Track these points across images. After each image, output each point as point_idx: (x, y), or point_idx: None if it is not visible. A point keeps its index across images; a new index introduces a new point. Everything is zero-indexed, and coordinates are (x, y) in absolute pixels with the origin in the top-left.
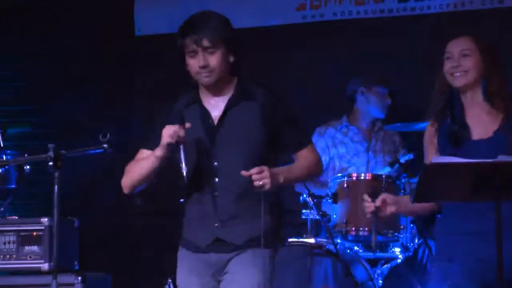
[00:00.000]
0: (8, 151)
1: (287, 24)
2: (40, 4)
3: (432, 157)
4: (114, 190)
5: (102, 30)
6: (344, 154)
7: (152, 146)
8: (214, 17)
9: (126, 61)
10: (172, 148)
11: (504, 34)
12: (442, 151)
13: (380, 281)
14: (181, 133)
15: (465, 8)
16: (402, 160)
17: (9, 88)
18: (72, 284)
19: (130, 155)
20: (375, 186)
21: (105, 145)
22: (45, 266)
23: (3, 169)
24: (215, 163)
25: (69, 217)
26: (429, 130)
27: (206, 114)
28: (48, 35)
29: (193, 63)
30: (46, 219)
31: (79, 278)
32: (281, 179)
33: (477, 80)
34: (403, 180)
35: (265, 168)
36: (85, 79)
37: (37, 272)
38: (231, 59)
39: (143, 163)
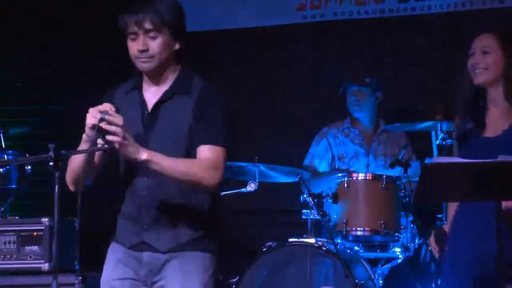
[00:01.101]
0: (9, 151)
1: (287, 24)
2: (40, 4)
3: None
4: (114, 189)
5: (102, 30)
6: (343, 155)
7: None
8: (160, 1)
9: (126, 61)
10: (97, 133)
11: None
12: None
13: (381, 281)
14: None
15: (465, 8)
16: (403, 159)
17: (9, 88)
18: (72, 284)
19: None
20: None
21: (105, 146)
22: (45, 266)
23: (4, 169)
24: None
25: (69, 217)
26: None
27: (143, 102)
28: (48, 35)
29: (132, 46)
30: (46, 219)
31: (79, 278)
32: (144, 155)
33: (498, 77)
34: (403, 180)
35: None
36: (85, 79)
37: (37, 272)
38: (176, 46)
39: (76, 157)
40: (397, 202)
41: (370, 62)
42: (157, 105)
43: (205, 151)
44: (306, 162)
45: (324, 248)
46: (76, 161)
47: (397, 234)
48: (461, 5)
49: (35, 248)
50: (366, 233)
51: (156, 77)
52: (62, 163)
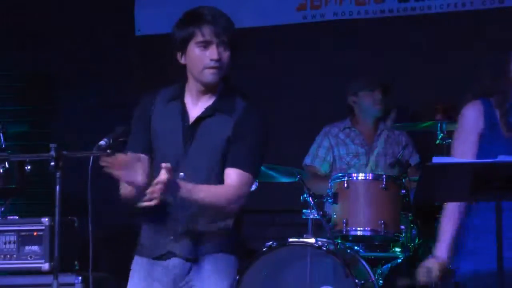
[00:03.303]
0: (9, 151)
1: (287, 24)
2: (40, 4)
3: None
4: (115, 190)
5: (102, 30)
6: (344, 155)
7: (135, 148)
8: (229, 18)
9: (126, 61)
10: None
11: (504, 34)
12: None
13: (380, 281)
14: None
15: (466, 8)
16: (403, 159)
17: (9, 88)
18: (72, 284)
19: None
20: None
21: (108, 151)
22: (46, 266)
23: (4, 169)
24: (181, 173)
25: (69, 217)
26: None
27: (185, 114)
28: (48, 35)
29: (202, 55)
30: (46, 219)
31: (79, 278)
32: (182, 192)
33: None
34: (403, 180)
35: (162, 180)
36: (85, 79)
37: (38, 272)
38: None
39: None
40: (397, 202)
41: (370, 62)
42: (199, 119)
43: (232, 176)
44: (307, 161)
45: (324, 248)
46: (128, 190)
47: (397, 234)
48: (461, 5)
49: (35, 248)
50: (366, 233)
51: (206, 91)
52: (63, 163)
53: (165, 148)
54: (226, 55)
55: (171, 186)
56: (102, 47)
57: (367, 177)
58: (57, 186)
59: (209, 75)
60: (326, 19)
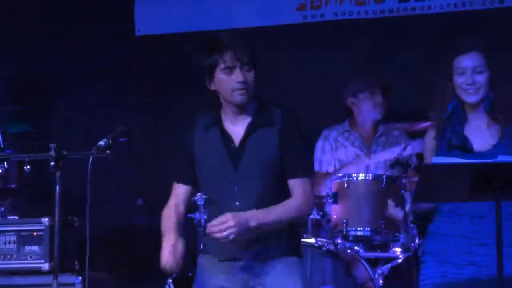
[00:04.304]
0: (8, 151)
1: (287, 24)
2: (40, 4)
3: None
4: (115, 190)
5: (102, 30)
6: (343, 158)
7: (183, 179)
8: (243, 38)
9: (126, 61)
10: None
11: (504, 34)
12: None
13: (381, 281)
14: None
15: (466, 8)
16: (402, 159)
17: (9, 88)
18: (72, 284)
19: (131, 156)
20: None
21: (107, 151)
22: (46, 266)
23: (3, 169)
24: (236, 188)
25: (69, 217)
26: (429, 138)
27: (228, 137)
28: (48, 35)
29: (228, 80)
30: (46, 219)
31: (79, 278)
32: (252, 224)
33: (486, 95)
34: (403, 180)
35: (229, 217)
36: (85, 79)
37: (38, 272)
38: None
39: (164, 233)
40: (397, 202)
41: (370, 62)
42: (244, 138)
43: (296, 186)
44: (316, 168)
45: (324, 248)
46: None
47: (397, 234)
48: (461, 5)
49: (35, 248)
50: (366, 233)
51: (241, 110)
52: (62, 163)
53: (213, 174)
54: (250, 75)
55: (240, 226)
56: (102, 47)
57: (367, 177)
58: (57, 186)
59: (238, 97)
60: (326, 19)
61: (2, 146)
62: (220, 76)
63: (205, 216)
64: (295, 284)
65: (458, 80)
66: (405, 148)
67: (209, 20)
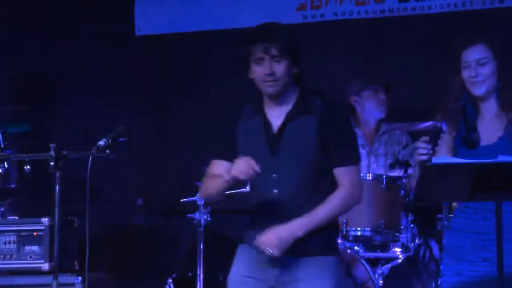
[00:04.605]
0: (8, 151)
1: (287, 24)
2: (40, 4)
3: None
4: (115, 190)
5: (102, 30)
6: None
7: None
8: (282, 28)
9: (126, 61)
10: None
11: (504, 34)
12: (457, 155)
13: (381, 281)
14: (250, 172)
15: (466, 8)
16: (403, 160)
17: (9, 88)
18: (72, 284)
19: (131, 156)
20: None
21: (107, 151)
22: (46, 266)
23: (3, 169)
24: (274, 175)
25: (69, 217)
26: (446, 136)
27: (268, 124)
28: (48, 35)
29: (259, 71)
30: (46, 219)
31: (79, 278)
32: (299, 234)
33: (495, 87)
34: (403, 180)
35: (273, 233)
36: (85, 79)
37: (38, 272)
38: (295, 70)
39: (212, 183)
40: (397, 202)
41: (370, 62)
42: (283, 126)
43: (342, 175)
44: None
45: None
46: (210, 188)
47: (397, 234)
48: (461, 5)
49: (35, 248)
50: (366, 233)
51: (278, 99)
52: (62, 163)
53: (254, 160)
54: (278, 67)
55: (286, 241)
56: (102, 47)
57: (367, 177)
58: (57, 186)
59: (267, 88)
60: (326, 19)
61: (2, 146)
62: (253, 66)
63: (205, 216)
64: (327, 286)
65: (465, 73)
66: (405, 147)
67: (209, 20)
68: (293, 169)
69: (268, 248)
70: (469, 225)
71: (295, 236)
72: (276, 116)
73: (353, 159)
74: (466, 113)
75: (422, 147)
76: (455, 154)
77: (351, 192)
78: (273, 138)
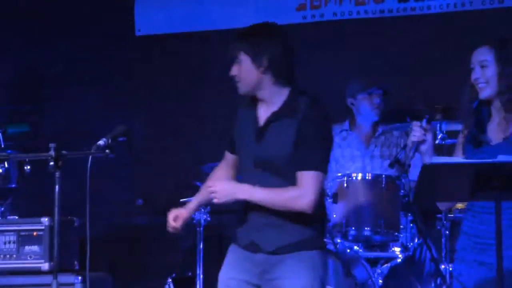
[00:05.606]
0: (8, 151)
1: (287, 24)
2: (41, 4)
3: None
4: (115, 190)
5: (102, 30)
6: (339, 158)
7: (229, 148)
8: (253, 28)
9: (126, 61)
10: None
11: (504, 34)
12: (466, 156)
13: (380, 281)
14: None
15: (465, 8)
16: (402, 160)
17: (9, 88)
18: (72, 284)
19: (131, 156)
20: None
21: (107, 151)
22: (45, 266)
23: (3, 168)
24: (257, 170)
25: (69, 217)
26: (460, 138)
27: (256, 117)
28: (48, 35)
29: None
30: (46, 219)
31: (79, 278)
32: (239, 197)
33: (500, 89)
34: (403, 180)
35: (221, 183)
36: (85, 79)
37: (37, 272)
38: (264, 63)
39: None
40: (396, 202)
41: (370, 62)
42: (266, 123)
43: (299, 178)
44: None
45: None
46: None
47: (397, 234)
48: (461, 5)
49: (35, 248)
50: (366, 233)
51: (263, 98)
52: (62, 163)
53: (243, 149)
54: (238, 67)
55: (227, 194)
56: (102, 47)
57: (367, 177)
58: (57, 186)
59: (238, 89)
60: (326, 19)
61: (2, 146)
62: None
63: (205, 216)
64: (307, 280)
65: (471, 75)
66: (404, 147)
67: (209, 20)
68: (273, 167)
69: (212, 195)
70: (471, 228)
71: (235, 196)
72: (264, 112)
73: (317, 164)
74: (479, 114)
75: (416, 130)
76: (464, 153)
77: (304, 195)
78: (258, 132)
